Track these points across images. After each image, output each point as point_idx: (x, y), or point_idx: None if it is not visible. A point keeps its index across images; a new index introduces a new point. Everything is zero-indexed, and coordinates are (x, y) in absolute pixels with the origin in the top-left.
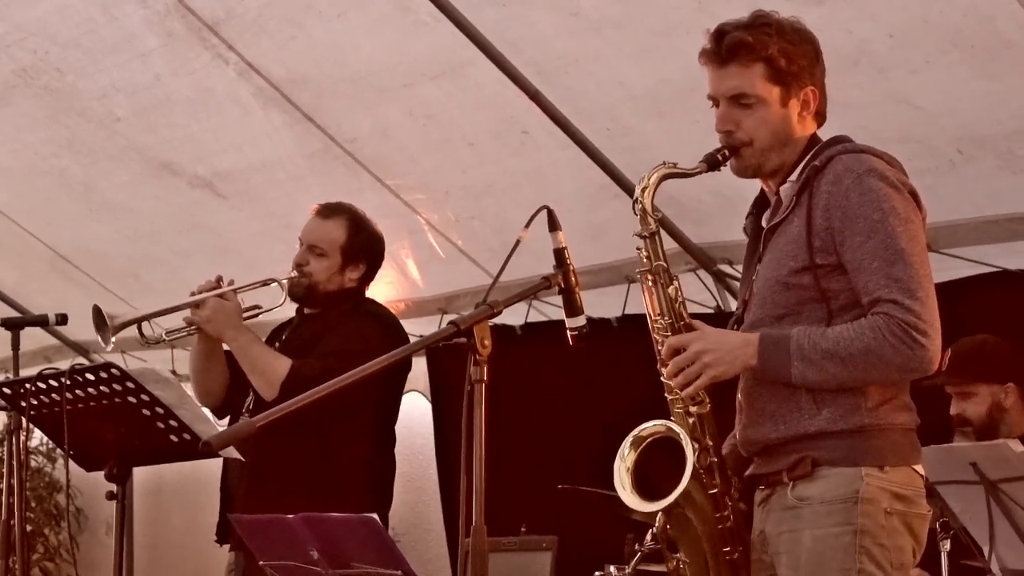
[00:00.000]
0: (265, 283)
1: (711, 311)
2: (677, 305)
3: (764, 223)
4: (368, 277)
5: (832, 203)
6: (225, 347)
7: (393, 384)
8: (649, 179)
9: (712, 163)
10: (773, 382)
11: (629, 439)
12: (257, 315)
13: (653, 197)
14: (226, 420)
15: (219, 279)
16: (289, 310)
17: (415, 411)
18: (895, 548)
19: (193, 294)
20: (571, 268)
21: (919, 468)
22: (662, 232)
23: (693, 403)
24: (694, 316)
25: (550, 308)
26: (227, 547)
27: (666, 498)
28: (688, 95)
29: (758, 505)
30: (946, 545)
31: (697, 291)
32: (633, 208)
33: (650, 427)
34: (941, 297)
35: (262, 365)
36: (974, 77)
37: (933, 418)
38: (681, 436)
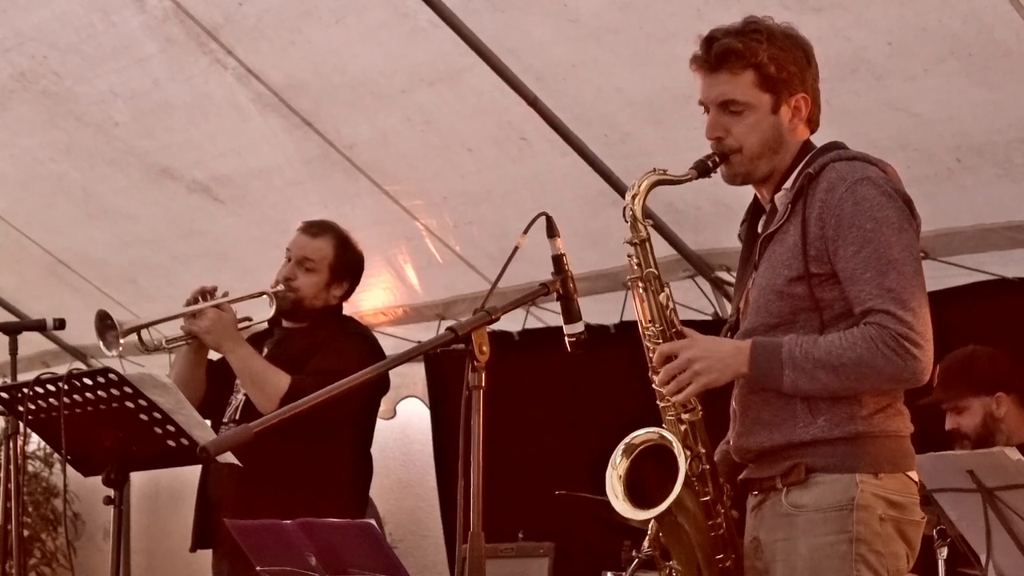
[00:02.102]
0: (256, 295)
1: (709, 318)
2: (668, 312)
3: (759, 230)
4: (348, 294)
5: (826, 212)
6: (210, 356)
7: (374, 398)
8: (639, 186)
9: (702, 169)
10: (767, 390)
11: (621, 447)
12: (248, 327)
13: (643, 204)
14: None
15: (213, 289)
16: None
17: (413, 417)
18: (891, 555)
19: (188, 303)
20: (569, 275)
21: (913, 475)
22: (653, 239)
23: (685, 410)
24: (692, 323)
25: (548, 315)
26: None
27: (658, 506)
28: (686, 102)
29: (751, 511)
30: (943, 553)
31: (695, 298)
32: (623, 215)
33: (642, 434)
34: (939, 305)
35: (263, 380)
36: (972, 85)
37: (934, 429)
38: (673, 443)
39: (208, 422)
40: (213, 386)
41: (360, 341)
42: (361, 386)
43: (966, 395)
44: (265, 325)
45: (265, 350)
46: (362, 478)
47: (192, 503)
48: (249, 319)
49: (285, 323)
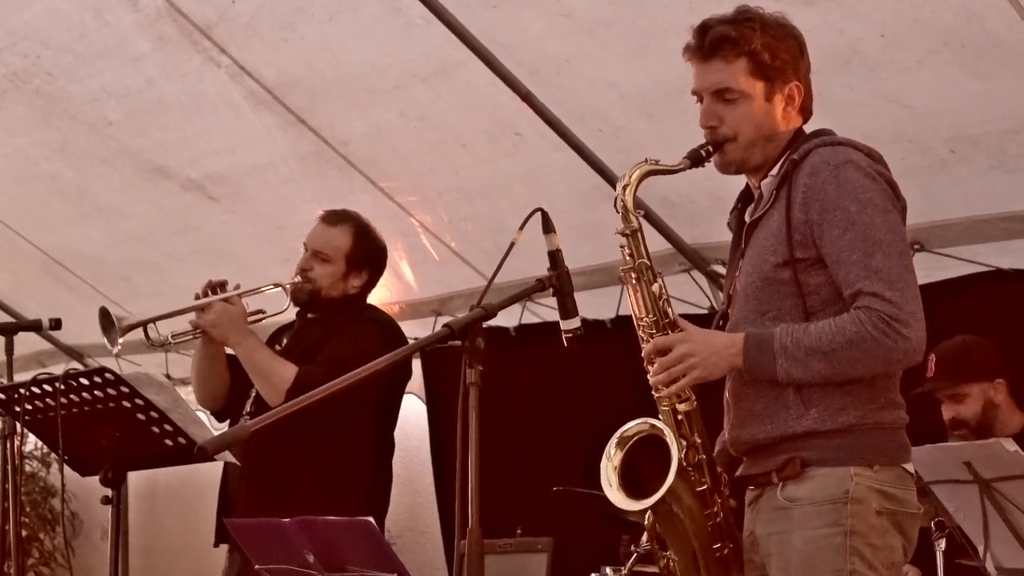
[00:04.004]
0: (270, 288)
1: (704, 311)
2: (661, 303)
3: (747, 218)
4: (370, 285)
5: (810, 196)
6: (228, 350)
7: (392, 389)
8: (631, 176)
9: (695, 159)
10: (760, 381)
11: (615, 438)
12: (261, 320)
13: (635, 194)
14: (226, 423)
15: (223, 282)
16: (291, 313)
17: (410, 414)
18: (886, 547)
19: (198, 297)
20: (565, 270)
21: (908, 467)
22: (648, 233)
23: (680, 400)
24: (687, 317)
25: (544, 309)
26: (224, 549)
27: (652, 496)
28: (679, 96)
29: (748, 506)
30: (941, 544)
31: (690, 292)
32: (615, 205)
33: (635, 426)
34: (934, 297)
35: (268, 371)
36: (966, 77)
37: (930, 420)
38: (667, 434)
39: (228, 420)
40: (237, 380)
41: (373, 326)
42: (371, 377)
43: (966, 382)
44: (285, 317)
45: (284, 341)
46: (378, 472)
47: (190, 501)
48: (262, 312)
49: (309, 315)
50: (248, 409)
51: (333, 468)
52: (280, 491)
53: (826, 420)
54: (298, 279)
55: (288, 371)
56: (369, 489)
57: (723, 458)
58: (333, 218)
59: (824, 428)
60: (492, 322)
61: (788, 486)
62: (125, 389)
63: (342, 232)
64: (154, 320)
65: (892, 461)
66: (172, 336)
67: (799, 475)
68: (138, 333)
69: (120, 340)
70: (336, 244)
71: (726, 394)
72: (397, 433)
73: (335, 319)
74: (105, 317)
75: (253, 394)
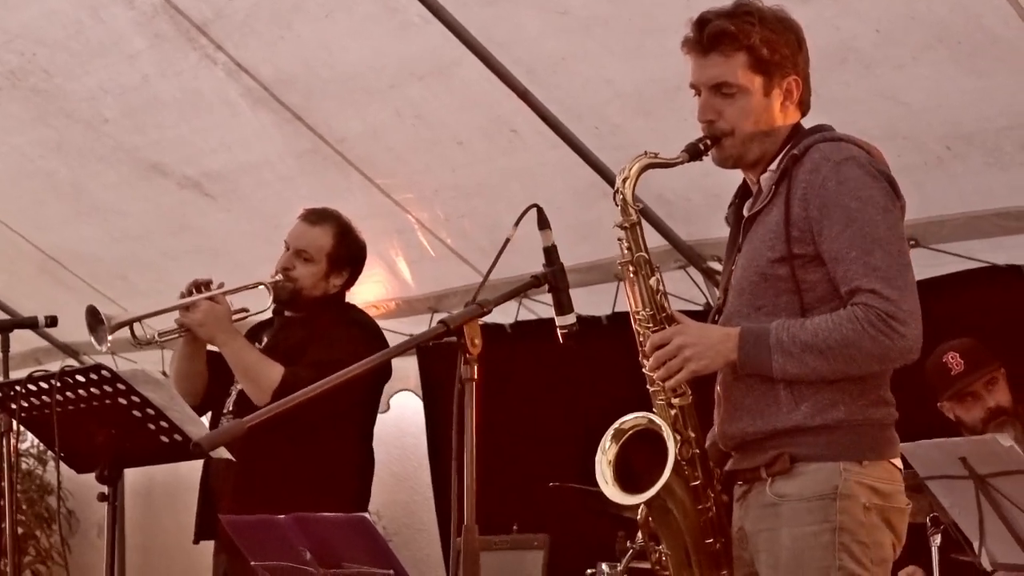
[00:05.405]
0: (252, 286)
1: (700, 308)
2: (659, 297)
3: (745, 212)
4: (350, 283)
5: (810, 192)
6: (210, 348)
7: (375, 387)
8: (630, 170)
9: (694, 153)
10: (751, 376)
11: (610, 432)
12: (245, 318)
13: (634, 188)
14: (205, 418)
15: (208, 281)
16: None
17: (407, 410)
18: (875, 544)
19: (183, 296)
20: (561, 266)
21: (897, 462)
22: (643, 224)
23: (675, 395)
24: (683, 313)
25: (540, 306)
26: (211, 547)
27: (648, 491)
28: (676, 93)
29: (737, 501)
30: (936, 540)
31: (687, 288)
32: (614, 198)
33: (631, 419)
34: (929, 293)
35: (256, 372)
36: (961, 73)
37: (924, 418)
38: (663, 428)
39: (209, 413)
40: (215, 377)
41: (357, 329)
42: (358, 377)
43: (994, 367)
44: (263, 316)
45: (264, 339)
46: (363, 470)
47: (186, 499)
48: (246, 310)
49: (286, 312)
50: (230, 407)
51: (322, 465)
52: (269, 488)
53: (815, 416)
54: (279, 277)
55: (275, 372)
56: (357, 486)
57: (713, 452)
58: (315, 217)
59: (813, 424)
60: (488, 318)
61: (777, 482)
62: (121, 386)
63: (324, 232)
64: (141, 318)
65: (881, 456)
66: (159, 335)
67: (788, 471)
68: (123, 332)
69: (109, 338)
70: (319, 244)
71: (717, 388)
72: (393, 430)
73: (318, 320)
74: (93, 316)
75: (234, 392)
